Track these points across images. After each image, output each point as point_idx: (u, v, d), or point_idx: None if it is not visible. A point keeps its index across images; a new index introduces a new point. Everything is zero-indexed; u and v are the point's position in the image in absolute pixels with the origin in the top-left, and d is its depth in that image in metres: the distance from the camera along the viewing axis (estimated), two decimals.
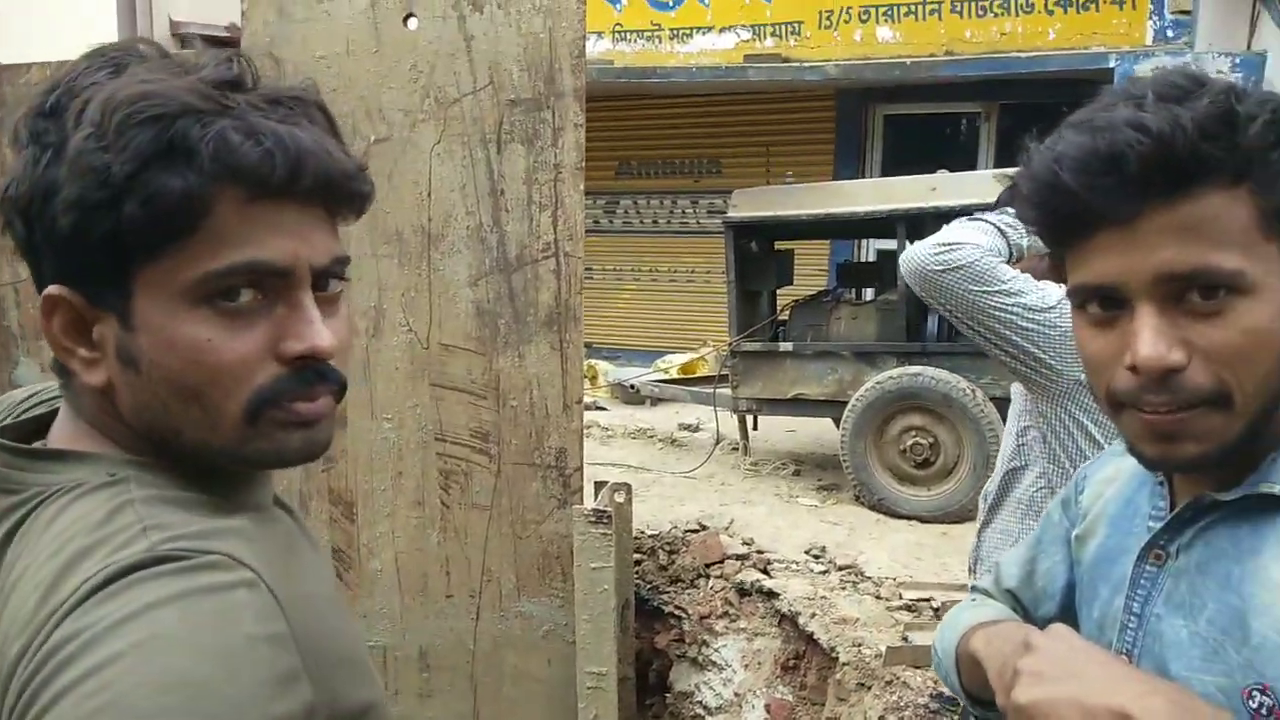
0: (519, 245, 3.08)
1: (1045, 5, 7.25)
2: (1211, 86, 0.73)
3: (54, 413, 0.80)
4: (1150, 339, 0.73)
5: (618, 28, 8.65)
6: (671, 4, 8.44)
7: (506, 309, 3.11)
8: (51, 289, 0.72)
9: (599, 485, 3.56)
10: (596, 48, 8.73)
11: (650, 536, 4.18)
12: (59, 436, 0.77)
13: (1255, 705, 0.73)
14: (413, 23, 2.97)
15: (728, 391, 5.60)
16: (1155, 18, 6.95)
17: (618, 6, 8.61)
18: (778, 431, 6.49)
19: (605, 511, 3.24)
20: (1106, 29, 7.09)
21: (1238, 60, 6.64)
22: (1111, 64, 6.88)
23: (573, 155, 3.10)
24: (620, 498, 3.61)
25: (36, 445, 0.76)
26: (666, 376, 7.26)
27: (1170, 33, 6.92)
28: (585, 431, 6.61)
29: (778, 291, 6.26)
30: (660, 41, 8.52)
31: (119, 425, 0.75)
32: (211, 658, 0.59)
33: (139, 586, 0.61)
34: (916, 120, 8.56)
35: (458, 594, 3.03)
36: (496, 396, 3.10)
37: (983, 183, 4.77)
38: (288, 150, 0.70)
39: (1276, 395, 0.75)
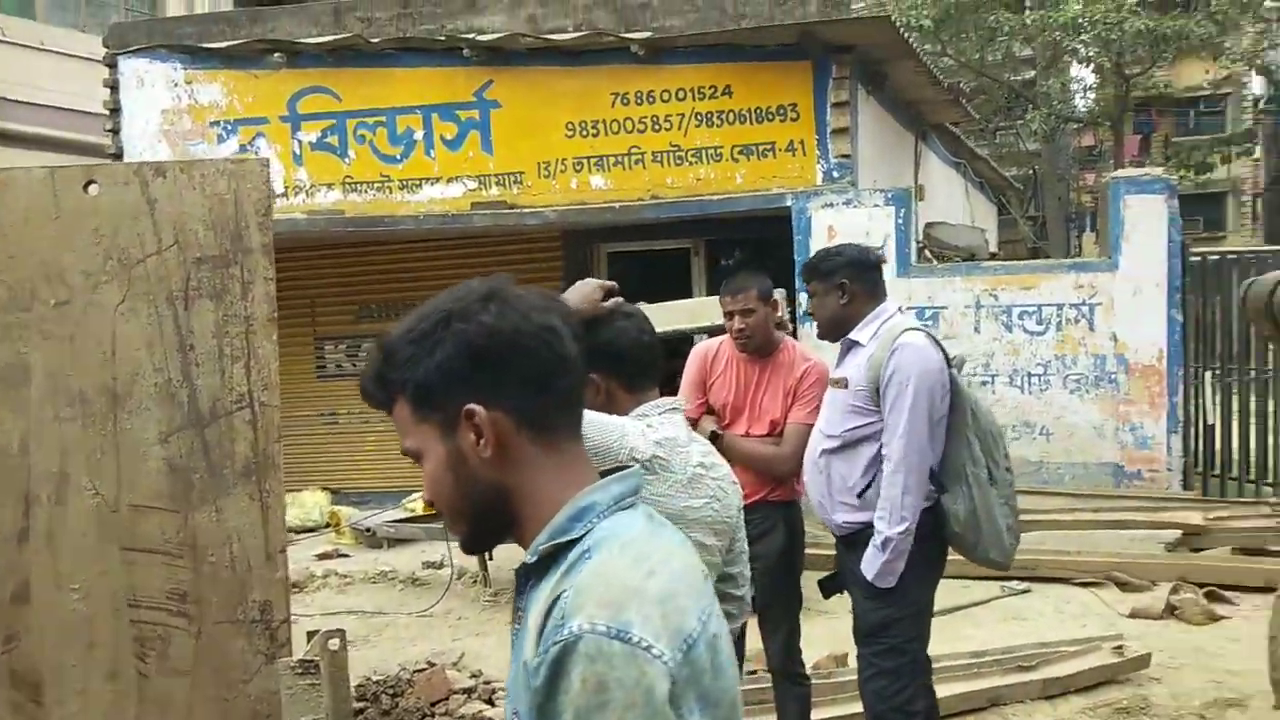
0: (211, 398, 3.10)
1: (731, 154, 8.15)
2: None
3: None
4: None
5: (348, 179, 8.89)
6: (399, 158, 8.80)
7: (201, 463, 3.09)
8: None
9: (311, 635, 3.54)
10: (327, 199, 8.91)
11: (375, 682, 4.18)
12: None
13: None
14: (93, 189, 3.02)
15: None
16: (822, 162, 7.99)
17: (346, 160, 8.87)
18: (520, 556, 6.62)
19: (312, 662, 3.22)
20: (784, 173, 8.05)
21: (889, 195, 7.70)
22: (788, 202, 7.81)
23: (264, 307, 3.18)
24: (334, 645, 3.59)
25: None
26: (407, 515, 7.26)
27: (836, 174, 7.95)
28: (323, 581, 6.50)
29: None
30: (390, 192, 8.82)
31: None
32: None
33: None
34: (635, 256, 9.27)
35: None
36: (194, 554, 3.04)
37: (687, 309, 5.30)
38: None
39: (476, 509, 1.19)
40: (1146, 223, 7.31)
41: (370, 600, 5.99)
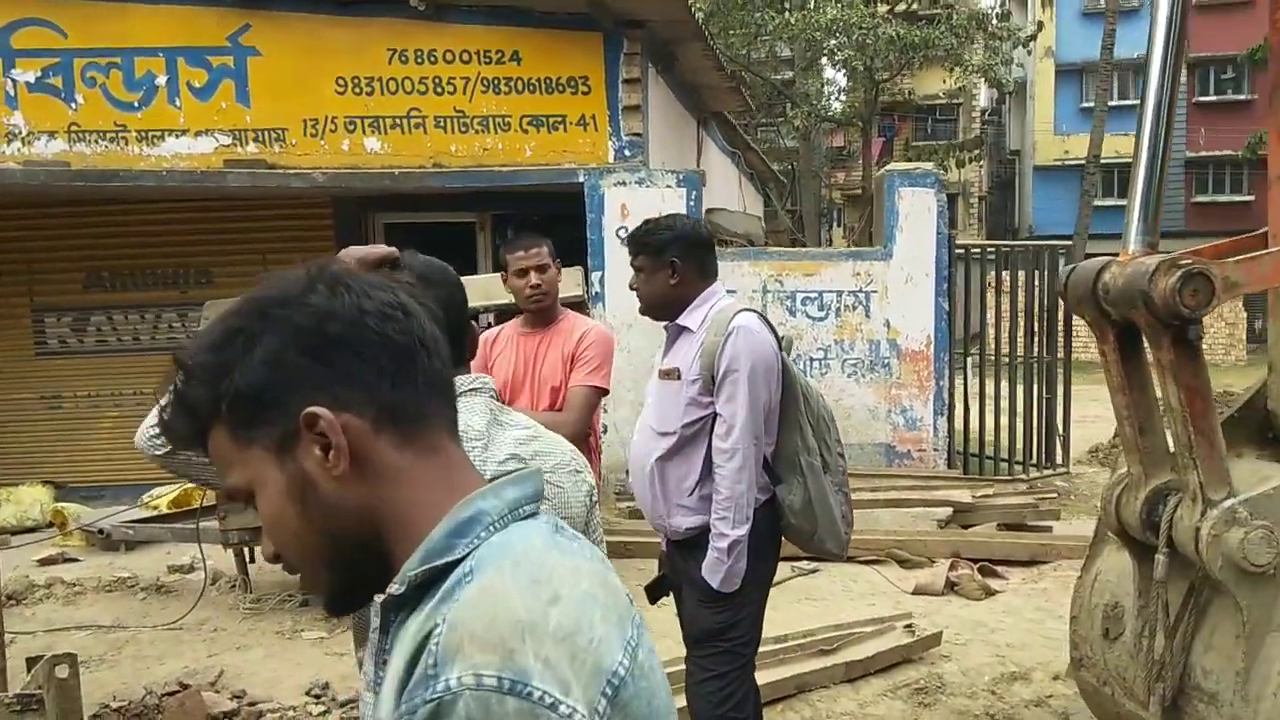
0: None
1: (520, 124, 7.78)
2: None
3: None
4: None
5: (74, 127, 7.74)
6: (137, 105, 7.76)
7: None
8: None
9: (33, 661, 2.95)
10: (49, 148, 7.73)
11: (115, 710, 3.54)
12: None
13: None
14: None
15: (216, 523, 5.04)
16: (614, 139, 7.78)
17: (73, 105, 7.73)
18: None
19: (34, 695, 2.69)
20: (575, 148, 7.78)
21: (681, 177, 7.61)
22: (580, 179, 7.54)
23: None
24: (62, 672, 3.03)
25: None
26: (150, 514, 6.40)
27: (628, 152, 7.77)
28: (47, 591, 5.63)
29: None
30: (127, 144, 7.77)
31: None
32: None
33: None
34: (417, 229, 8.67)
35: None
36: None
37: (478, 286, 4.89)
38: None
39: (338, 547, 0.90)
40: (917, 214, 7.63)
41: (106, 612, 5.17)
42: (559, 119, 7.83)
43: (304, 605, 5.17)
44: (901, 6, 24.16)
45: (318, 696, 3.74)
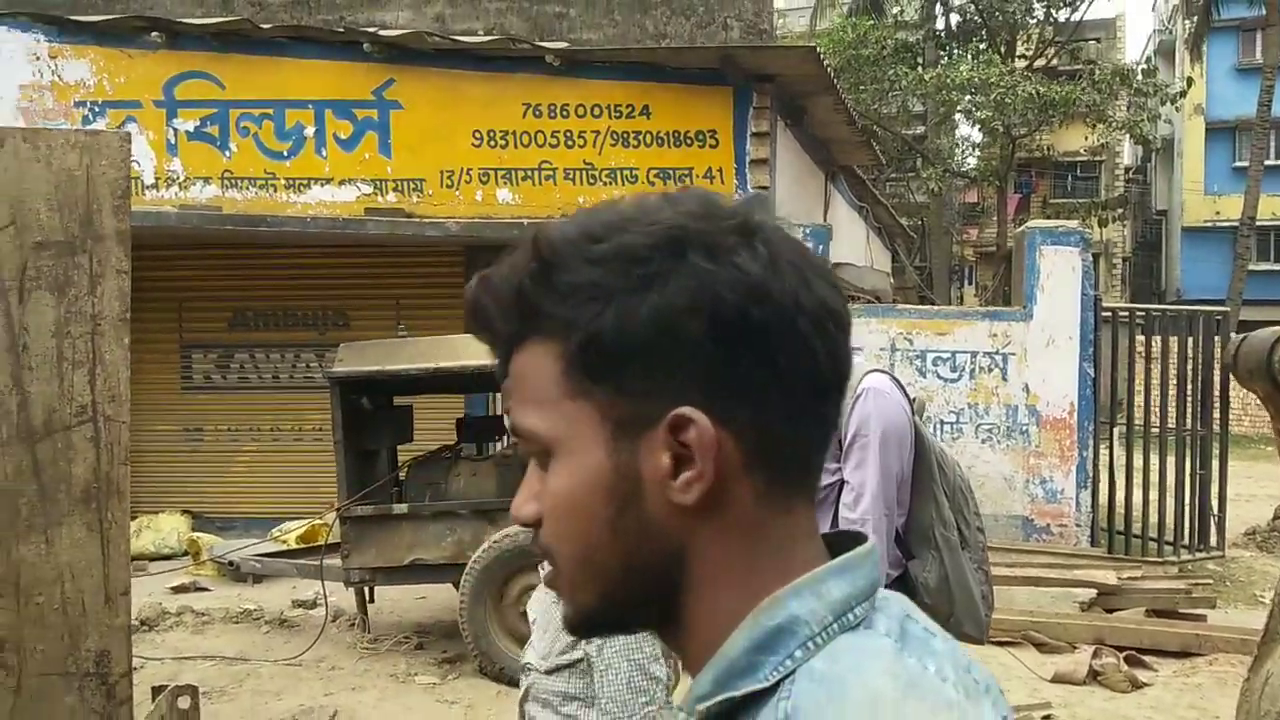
0: (46, 410, 2.62)
1: (647, 177, 7.84)
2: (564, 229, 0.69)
3: None
4: (520, 491, 0.71)
5: (227, 174, 8.18)
6: (287, 154, 8.15)
7: (30, 485, 2.62)
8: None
9: (158, 690, 3.01)
10: (204, 193, 8.18)
11: None
12: None
13: None
14: None
15: (339, 562, 5.11)
16: (740, 191, 7.74)
17: (227, 153, 8.17)
18: (406, 599, 6.04)
19: None
20: None
21: (808, 231, 7.49)
22: None
23: (115, 305, 2.71)
24: (184, 704, 3.08)
25: None
26: (276, 548, 6.56)
27: None
28: (177, 619, 5.80)
29: (400, 449, 5.94)
30: (275, 190, 8.15)
31: None
32: None
33: None
34: None
35: None
36: (16, 593, 2.57)
37: None
38: None
39: (630, 574, 0.68)
40: (1060, 274, 7.29)
41: (231, 643, 5.30)
42: (685, 172, 7.85)
43: (419, 649, 5.18)
44: (1040, 62, 23.56)
45: None
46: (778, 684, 0.63)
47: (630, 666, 1.72)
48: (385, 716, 4.05)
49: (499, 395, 7.63)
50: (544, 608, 1.87)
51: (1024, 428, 7.27)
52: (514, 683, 4.54)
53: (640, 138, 7.86)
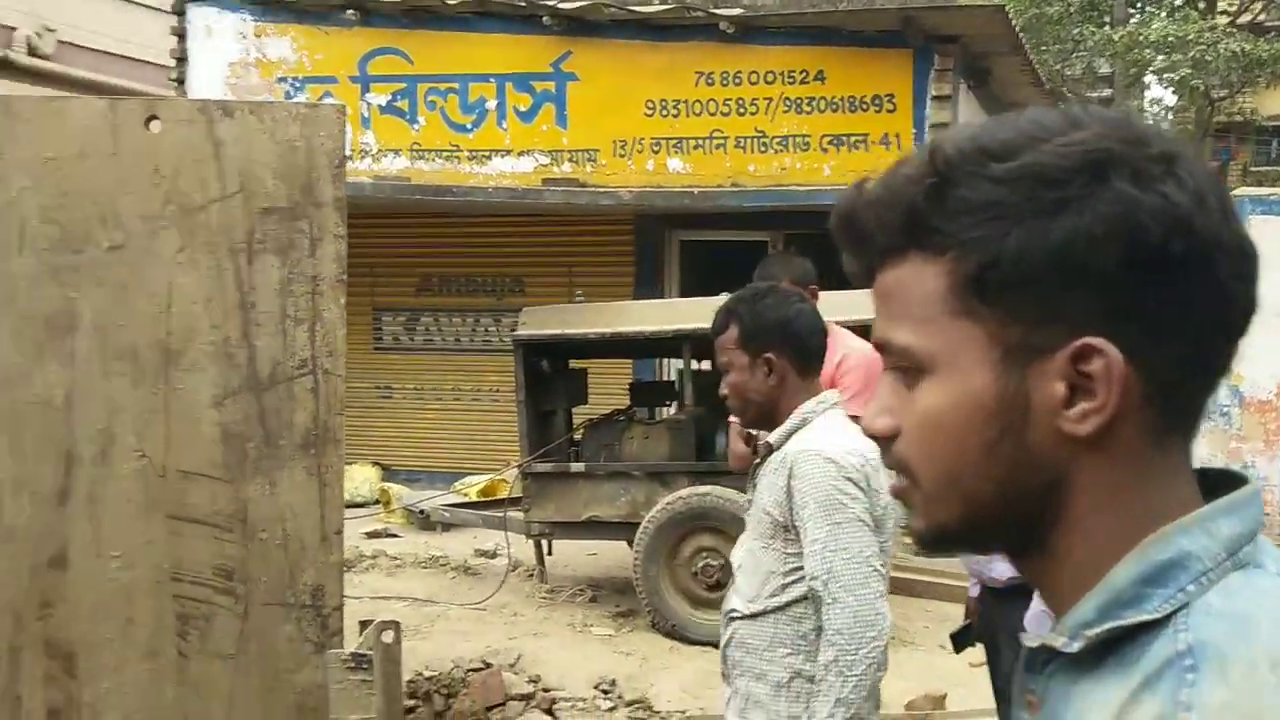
0: (271, 362, 2.84)
1: (820, 144, 7.73)
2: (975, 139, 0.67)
3: None
4: (871, 404, 0.72)
5: (415, 146, 8.60)
6: (470, 127, 8.48)
7: (256, 431, 2.84)
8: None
9: (364, 625, 3.26)
10: (394, 165, 8.63)
11: (427, 679, 3.86)
12: None
13: None
14: (155, 125, 2.75)
15: (520, 515, 5.38)
16: None
17: (415, 126, 8.58)
18: (579, 554, 6.29)
19: (365, 655, 2.95)
20: (876, 167, 7.53)
21: None
22: None
23: (332, 267, 2.93)
24: (388, 638, 3.30)
25: None
26: (462, 500, 6.95)
27: None
28: (373, 561, 6.23)
29: (574, 411, 6.15)
30: (459, 162, 8.51)
31: None
32: None
33: None
34: (710, 246, 8.87)
35: None
36: (243, 529, 2.81)
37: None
38: None
39: (1003, 496, 0.68)
40: (1271, 244, 6.71)
41: (421, 586, 5.67)
42: (860, 138, 7.70)
43: (593, 601, 5.40)
44: (1246, 18, 21.64)
45: (605, 692, 3.88)
46: (1168, 617, 0.63)
47: (857, 601, 1.79)
48: (565, 662, 4.26)
49: (669, 361, 7.76)
50: (749, 552, 1.95)
51: (1224, 409, 6.83)
52: (685, 639, 4.68)
53: (814, 103, 7.75)
